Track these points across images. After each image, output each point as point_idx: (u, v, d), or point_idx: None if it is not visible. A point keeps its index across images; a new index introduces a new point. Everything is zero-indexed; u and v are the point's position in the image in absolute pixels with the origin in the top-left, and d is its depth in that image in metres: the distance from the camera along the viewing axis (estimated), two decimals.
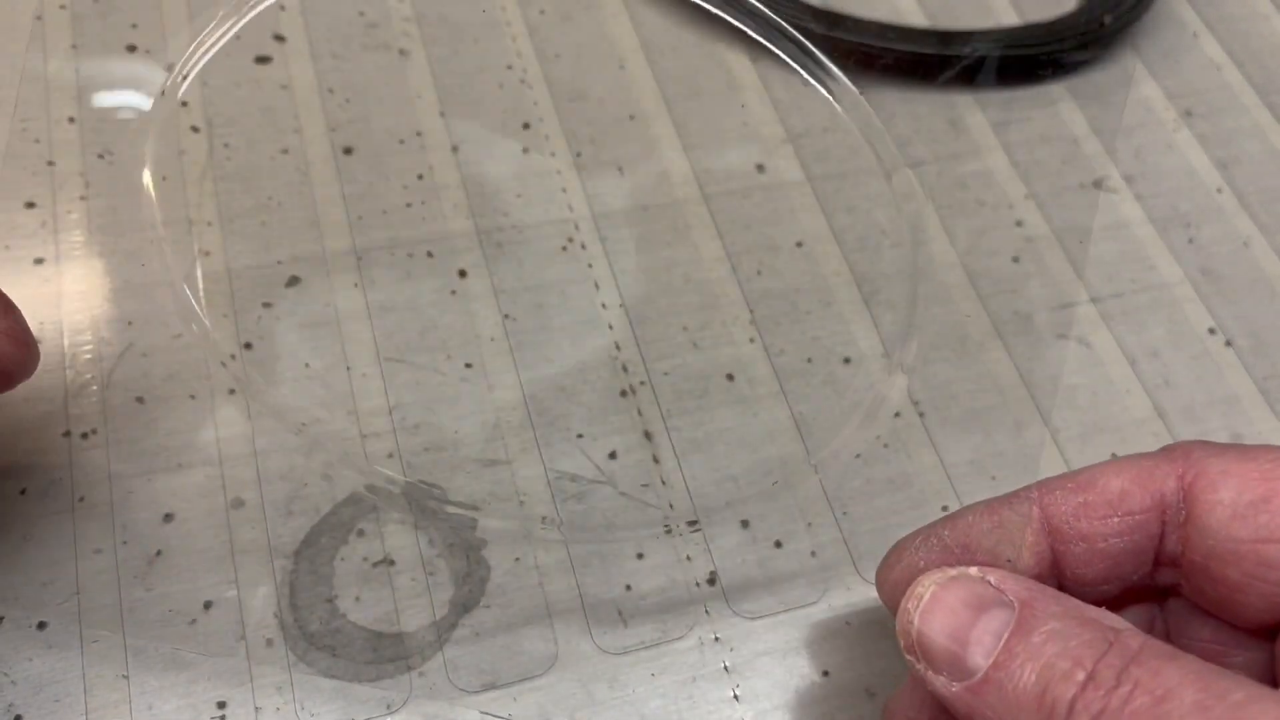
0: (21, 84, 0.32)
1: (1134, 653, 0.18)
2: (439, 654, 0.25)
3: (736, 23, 0.37)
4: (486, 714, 0.24)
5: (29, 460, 0.26)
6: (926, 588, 0.21)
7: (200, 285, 0.29)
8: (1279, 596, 0.20)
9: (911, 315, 0.31)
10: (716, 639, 0.26)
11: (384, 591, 0.25)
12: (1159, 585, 0.22)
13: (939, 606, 0.20)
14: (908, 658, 0.21)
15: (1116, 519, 0.21)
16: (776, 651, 0.26)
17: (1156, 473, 0.21)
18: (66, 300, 0.28)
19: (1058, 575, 0.22)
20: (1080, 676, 0.18)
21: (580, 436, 0.28)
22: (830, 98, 0.36)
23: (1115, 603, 0.22)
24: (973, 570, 0.21)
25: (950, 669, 0.20)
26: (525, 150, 0.33)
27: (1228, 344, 0.33)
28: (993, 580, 0.20)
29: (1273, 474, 0.20)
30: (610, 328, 0.30)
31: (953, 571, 0.21)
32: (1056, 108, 0.37)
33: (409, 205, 0.31)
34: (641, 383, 0.29)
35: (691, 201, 0.33)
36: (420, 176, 0.32)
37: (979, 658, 0.19)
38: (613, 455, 0.28)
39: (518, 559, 0.26)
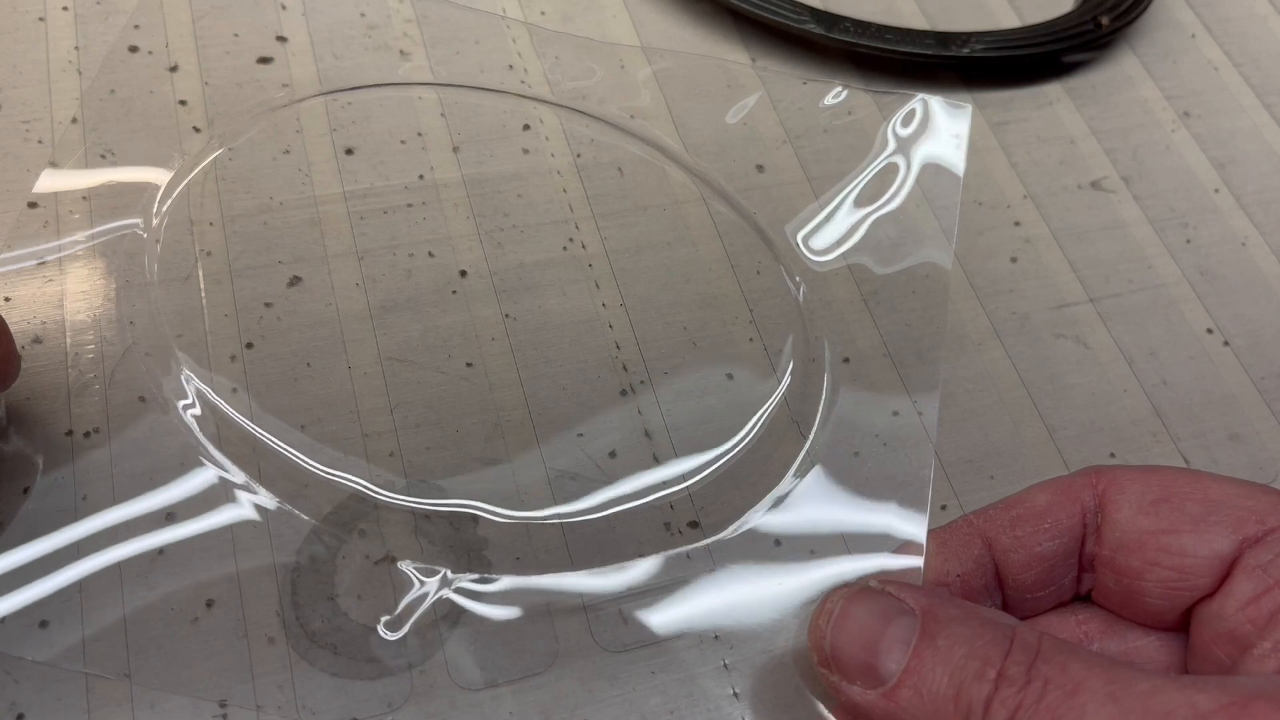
0: (24, 85, 0.32)
1: (1036, 648, 0.20)
2: (440, 652, 0.25)
3: (736, 24, 0.37)
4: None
5: (31, 459, 0.26)
6: (836, 603, 0.22)
7: (202, 285, 0.29)
8: (1174, 582, 0.22)
9: (910, 315, 0.32)
10: (716, 637, 0.26)
11: (385, 590, 0.25)
12: (1082, 592, 0.24)
13: (848, 619, 0.22)
14: (821, 671, 0.22)
15: (1046, 525, 0.23)
16: (776, 651, 0.26)
17: (1075, 486, 0.24)
18: (69, 300, 0.28)
19: (1001, 585, 0.24)
20: (991, 675, 0.19)
21: (580, 436, 0.28)
22: (830, 98, 0.36)
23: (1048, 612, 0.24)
24: (873, 583, 0.22)
25: (864, 678, 0.21)
26: (525, 151, 0.33)
27: (1225, 344, 0.33)
28: (893, 591, 0.22)
29: (1172, 482, 0.23)
30: (610, 327, 0.30)
31: (856, 585, 0.23)
32: (1054, 108, 0.37)
33: (410, 205, 0.31)
34: (641, 382, 0.29)
35: (691, 201, 0.33)
36: (421, 176, 0.32)
37: (891, 665, 0.21)
38: (613, 455, 0.28)
39: (518, 558, 0.26)
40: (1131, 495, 0.23)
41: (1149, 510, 0.23)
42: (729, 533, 0.27)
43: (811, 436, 0.29)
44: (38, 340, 0.27)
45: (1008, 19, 0.39)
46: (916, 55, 0.36)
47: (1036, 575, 0.23)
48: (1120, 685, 0.18)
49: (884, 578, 0.23)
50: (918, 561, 0.24)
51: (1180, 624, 0.23)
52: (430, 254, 0.31)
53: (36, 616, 0.24)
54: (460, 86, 0.34)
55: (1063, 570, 0.24)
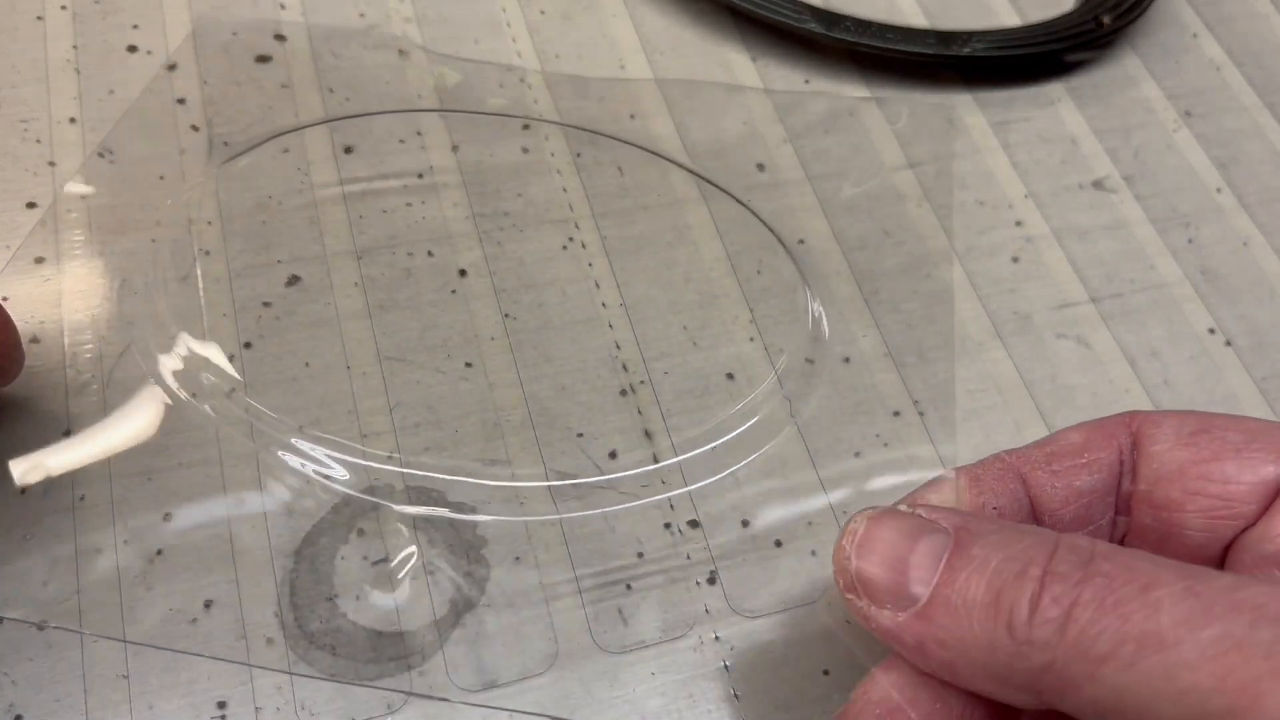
0: (22, 84, 0.32)
1: (1089, 550, 0.18)
2: (439, 653, 0.25)
3: (736, 22, 0.37)
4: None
5: (29, 460, 0.26)
6: (860, 523, 0.21)
7: (200, 285, 0.29)
8: (1218, 511, 0.21)
9: (912, 315, 0.31)
10: (716, 638, 0.26)
11: (384, 590, 0.25)
12: (1116, 538, 0.23)
13: (873, 539, 0.20)
14: (848, 597, 0.20)
15: (1083, 460, 0.22)
16: (776, 651, 0.26)
17: (1109, 425, 0.23)
18: (67, 299, 0.28)
19: (1037, 523, 0.22)
20: (1036, 573, 0.18)
21: (580, 436, 0.28)
22: (829, 98, 0.36)
23: None
24: (903, 506, 0.21)
25: (894, 599, 0.19)
26: (525, 150, 0.33)
27: (1227, 344, 0.33)
28: (924, 513, 0.20)
29: (1208, 417, 0.22)
30: (610, 327, 0.30)
31: (884, 507, 0.21)
32: (1056, 108, 0.37)
33: (409, 205, 0.31)
34: (641, 382, 0.29)
35: (691, 201, 0.33)
36: (420, 176, 0.32)
37: (920, 584, 0.19)
38: (613, 455, 0.28)
39: (518, 558, 0.26)
40: (1168, 429, 0.22)
41: (1188, 441, 0.21)
42: (729, 532, 0.27)
43: (812, 437, 0.29)
44: (35, 340, 0.27)
45: (1009, 18, 0.39)
46: (918, 54, 0.36)
47: (1075, 512, 0.22)
48: (1198, 581, 0.17)
49: (912, 500, 0.22)
50: (950, 498, 0.23)
51: (1216, 565, 0.22)
52: (430, 253, 0.31)
53: (35, 618, 0.24)
54: (463, 112, 0.33)
55: (1100, 509, 0.22)
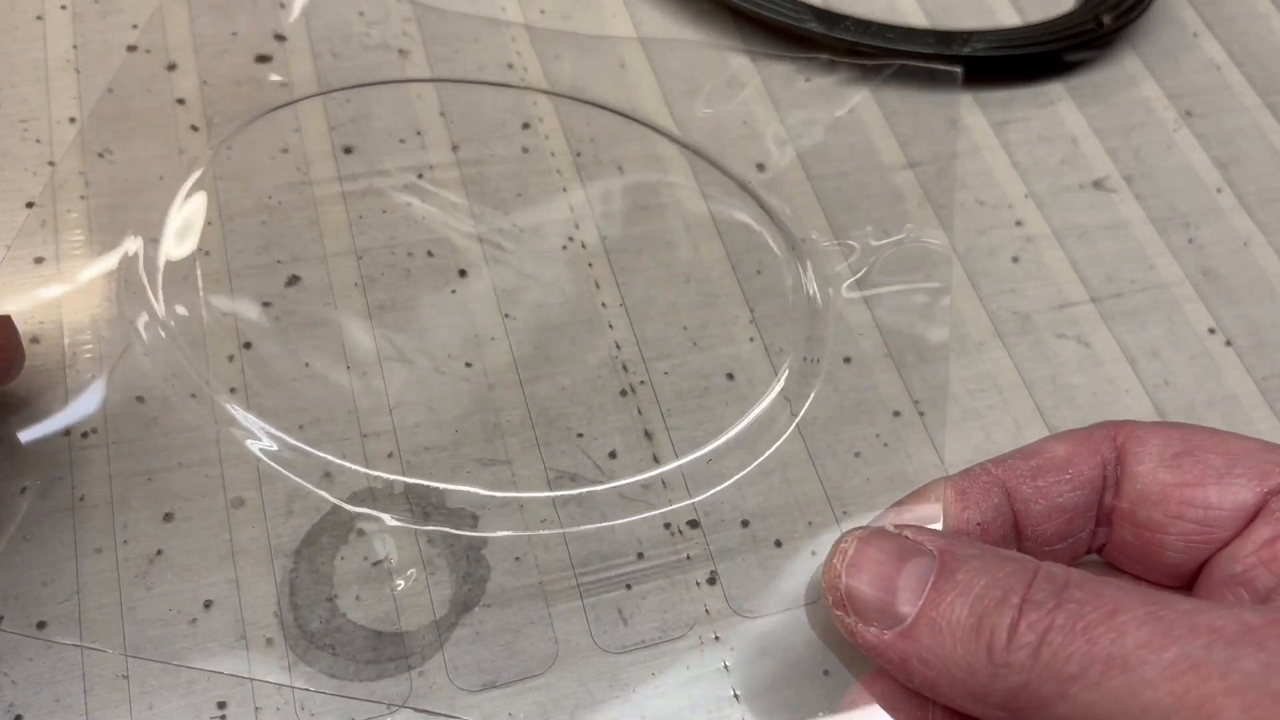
0: (22, 84, 0.32)
1: (1064, 579, 0.19)
2: (439, 653, 0.25)
3: (736, 22, 0.37)
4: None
5: (29, 459, 0.26)
6: (850, 543, 0.22)
7: (200, 284, 0.29)
8: (1197, 534, 0.22)
9: (912, 315, 0.31)
10: (716, 638, 0.26)
11: (384, 591, 0.25)
12: (1095, 547, 0.24)
13: (864, 559, 0.21)
14: (836, 613, 0.22)
15: (1067, 476, 0.23)
16: (776, 651, 0.26)
17: (1094, 438, 0.23)
18: (67, 299, 0.28)
19: (1019, 537, 0.23)
20: (1015, 601, 0.19)
21: (580, 436, 0.28)
22: (830, 98, 0.36)
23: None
24: (889, 526, 0.22)
25: (880, 617, 0.20)
26: (525, 150, 0.33)
27: (1227, 344, 0.33)
28: (910, 534, 0.21)
29: (1192, 436, 0.22)
30: (610, 327, 0.30)
31: (872, 527, 0.22)
32: (1056, 107, 0.37)
33: (409, 205, 0.31)
34: (641, 382, 0.29)
35: (692, 201, 0.33)
36: (420, 175, 0.32)
37: (906, 604, 0.20)
38: (613, 455, 0.28)
39: (518, 559, 0.26)
40: (1152, 448, 0.22)
41: (1171, 463, 0.22)
42: (729, 533, 0.27)
43: (812, 437, 0.29)
44: (35, 340, 0.27)
45: (1009, 18, 0.39)
46: (918, 54, 0.36)
47: (1056, 527, 0.23)
48: (1161, 606, 0.18)
49: (900, 522, 0.23)
50: (936, 511, 0.24)
51: (1191, 581, 0.22)
52: (429, 253, 0.30)
53: (35, 617, 0.24)
54: (458, 81, 0.33)
55: (1081, 523, 0.23)
